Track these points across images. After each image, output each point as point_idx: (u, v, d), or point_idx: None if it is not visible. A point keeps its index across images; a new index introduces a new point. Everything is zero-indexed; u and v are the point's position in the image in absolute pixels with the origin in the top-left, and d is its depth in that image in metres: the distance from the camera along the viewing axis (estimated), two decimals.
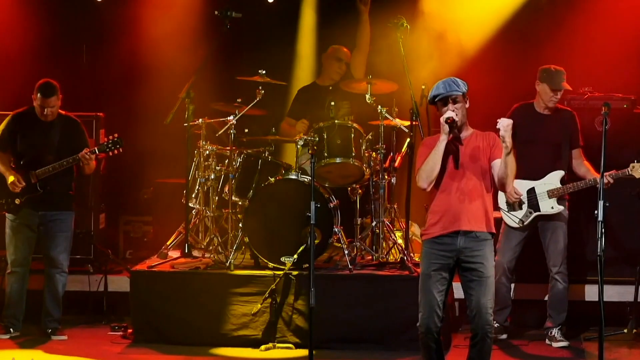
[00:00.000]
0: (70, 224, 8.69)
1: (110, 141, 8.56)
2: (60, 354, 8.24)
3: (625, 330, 8.57)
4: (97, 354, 8.24)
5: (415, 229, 8.81)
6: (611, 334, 8.39)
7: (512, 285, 8.68)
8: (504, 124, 6.58)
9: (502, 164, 6.64)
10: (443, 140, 6.71)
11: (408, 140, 8.66)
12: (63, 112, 8.64)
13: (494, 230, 6.85)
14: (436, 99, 6.79)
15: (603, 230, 6.67)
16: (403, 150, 8.84)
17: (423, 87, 8.43)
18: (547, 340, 8.52)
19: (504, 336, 8.57)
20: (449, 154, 6.77)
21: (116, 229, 10.29)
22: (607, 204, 6.72)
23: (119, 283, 9.27)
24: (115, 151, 8.59)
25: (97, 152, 8.52)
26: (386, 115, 8.72)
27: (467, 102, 6.81)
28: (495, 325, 8.51)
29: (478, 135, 6.85)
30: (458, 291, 8.97)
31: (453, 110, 6.72)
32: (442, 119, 6.73)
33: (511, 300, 8.58)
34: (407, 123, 8.62)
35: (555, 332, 8.48)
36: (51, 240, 8.59)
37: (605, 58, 9.65)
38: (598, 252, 6.69)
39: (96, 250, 9.53)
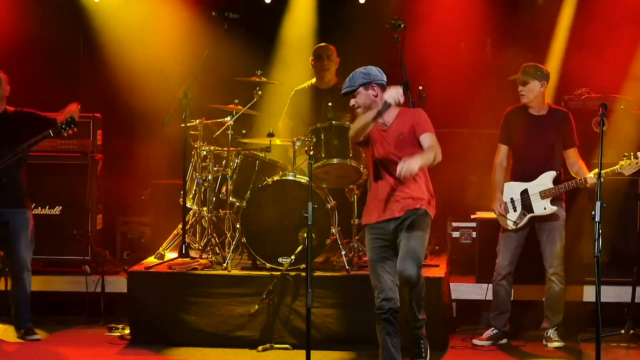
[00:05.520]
0: (30, 221, 8.62)
1: (64, 122, 8.47)
2: (58, 354, 8.25)
3: (622, 331, 8.55)
4: (94, 355, 8.23)
5: None
6: (608, 334, 8.38)
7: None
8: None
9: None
10: (373, 111, 6.90)
11: None
12: (11, 108, 8.63)
13: (427, 207, 7.05)
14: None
15: (600, 231, 6.68)
16: None
17: (420, 87, 8.42)
18: (543, 341, 8.51)
19: (504, 341, 8.54)
20: (377, 143, 7.03)
21: (113, 230, 10.28)
22: (604, 205, 6.73)
23: (117, 284, 9.25)
24: (70, 131, 8.50)
25: (52, 135, 8.48)
26: None
27: (374, 88, 6.97)
28: (494, 331, 8.52)
29: (402, 116, 7.06)
30: (456, 292, 9.02)
31: (354, 104, 7.01)
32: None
33: (510, 305, 8.54)
34: None
35: (551, 332, 8.47)
36: (16, 239, 8.49)
37: (602, 59, 9.64)
38: (595, 252, 6.69)
39: (93, 251, 9.51)
